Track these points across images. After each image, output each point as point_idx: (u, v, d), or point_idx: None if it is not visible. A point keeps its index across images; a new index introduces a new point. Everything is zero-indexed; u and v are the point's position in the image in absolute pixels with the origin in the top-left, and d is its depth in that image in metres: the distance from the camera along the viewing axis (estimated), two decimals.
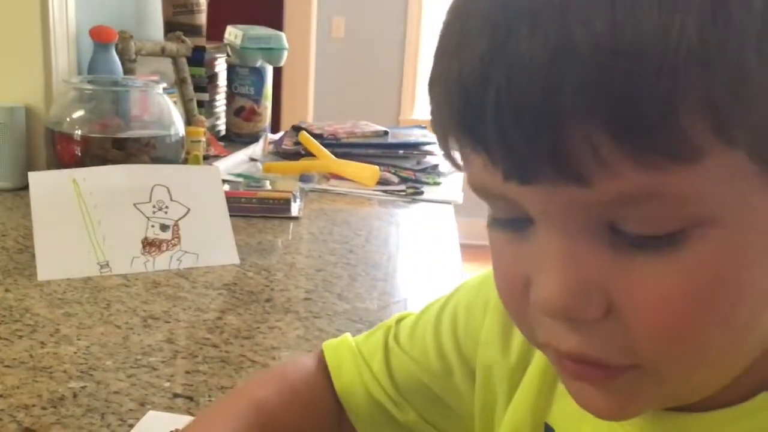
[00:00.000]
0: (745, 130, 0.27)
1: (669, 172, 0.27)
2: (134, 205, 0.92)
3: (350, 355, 0.53)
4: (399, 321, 0.54)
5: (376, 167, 1.39)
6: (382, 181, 1.38)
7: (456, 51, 0.29)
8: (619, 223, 0.28)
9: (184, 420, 0.59)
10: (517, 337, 0.46)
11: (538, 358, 0.44)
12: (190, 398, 0.63)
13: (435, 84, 0.30)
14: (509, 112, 0.27)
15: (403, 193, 1.36)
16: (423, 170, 1.45)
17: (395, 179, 1.41)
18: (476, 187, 0.31)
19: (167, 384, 0.65)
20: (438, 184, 1.41)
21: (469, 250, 1.36)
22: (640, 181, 0.27)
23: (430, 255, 1.11)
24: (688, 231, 0.28)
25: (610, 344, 0.30)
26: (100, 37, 1.29)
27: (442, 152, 0.32)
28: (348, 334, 0.57)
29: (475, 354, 0.48)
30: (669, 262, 0.28)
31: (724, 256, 0.28)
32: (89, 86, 1.18)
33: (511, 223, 0.32)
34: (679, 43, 0.25)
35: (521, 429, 0.44)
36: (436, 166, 1.47)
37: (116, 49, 1.31)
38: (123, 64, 1.33)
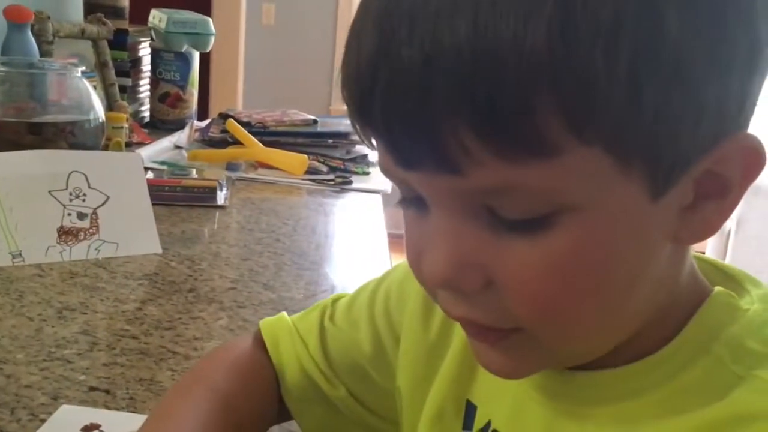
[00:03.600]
0: (598, 129, 0.29)
1: (530, 166, 0.29)
2: (49, 192, 0.89)
3: (287, 333, 0.54)
4: (335, 301, 0.55)
5: (305, 156, 1.38)
6: (311, 170, 1.37)
7: (354, 47, 0.31)
8: (495, 208, 0.32)
9: (99, 414, 0.57)
10: (438, 315, 0.47)
11: (459, 338, 0.45)
12: (107, 391, 0.61)
13: (342, 73, 0.33)
14: (392, 109, 0.30)
15: (332, 183, 1.35)
16: (352, 160, 1.45)
17: (324, 168, 1.40)
18: (382, 168, 0.34)
19: (83, 377, 0.62)
20: (367, 173, 1.41)
21: (396, 240, 1.36)
22: (505, 173, 0.30)
23: (357, 244, 1.11)
24: (555, 215, 0.31)
25: (492, 312, 0.34)
26: (14, 17, 1.23)
27: (357, 132, 0.34)
28: (284, 313, 0.57)
29: (401, 324, 0.49)
30: (538, 241, 0.31)
31: (588, 237, 0.31)
32: (2, 68, 1.12)
33: (412, 202, 0.35)
34: (531, 52, 0.28)
35: (445, 405, 0.45)
36: (365, 156, 1.47)
37: (32, 30, 1.26)
38: (39, 45, 1.27)
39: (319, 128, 1.54)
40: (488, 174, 0.30)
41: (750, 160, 0.32)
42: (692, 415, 0.34)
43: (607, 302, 0.33)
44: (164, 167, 1.29)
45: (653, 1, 0.29)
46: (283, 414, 0.53)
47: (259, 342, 0.55)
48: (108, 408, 0.58)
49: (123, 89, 1.53)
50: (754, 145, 0.32)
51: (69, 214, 0.89)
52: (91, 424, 0.55)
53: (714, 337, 0.35)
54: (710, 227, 0.34)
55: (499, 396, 0.42)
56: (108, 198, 0.91)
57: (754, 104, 0.33)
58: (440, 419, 0.45)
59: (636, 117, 0.29)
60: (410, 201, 0.35)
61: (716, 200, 0.33)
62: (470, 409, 0.44)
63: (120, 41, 1.53)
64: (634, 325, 0.36)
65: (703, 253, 0.40)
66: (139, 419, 0.57)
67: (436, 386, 0.46)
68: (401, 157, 0.32)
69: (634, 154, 0.30)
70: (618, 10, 0.28)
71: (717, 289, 0.37)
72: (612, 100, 0.29)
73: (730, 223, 2.32)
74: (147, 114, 1.67)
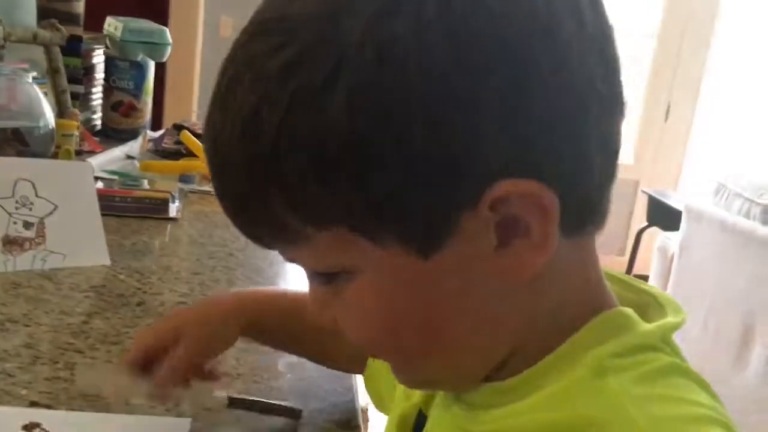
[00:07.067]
0: (329, 219, 0.35)
1: (295, 246, 0.37)
2: None
3: None
4: None
5: None
6: None
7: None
8: None
9: (37, 413, 0.56)
10: None
11: None
12: (49, 407, 0.59)
13: None
14: (219, 197, 0.38)
15: None
16: None
17: None
18: None
19: (24, 392, 0.61)
20: None
21: None
22: (285, 252, 0.39)
23: None
24: (344, 274, 0.38)
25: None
26: None
27: None
28: None
29: None
30: (341, 293, 0.38)
31: (367, 292, 0.37)
32: None
33: None
34: (251, 172, 0.35)
35: (406, 414, 0.48)
36: None
37: None
38: None
39: None
40: (279, 249, 0.38)
41: (538, 202, 0.34)
42: (541, 415, 0.36)
43: (433, 341, 0.38)
44: (115, 177, 1.27)
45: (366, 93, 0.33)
46: None
47: None
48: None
49: (75, 96, 1.50)
50: (532, 190, 0.34)
51: (14, 223, 0.87)
52: (31, 423, 0.55)
53: (582, 354, 0.37)
54: (527, 263, 0.36)
55: (437, 407, 0.45)
56: (56, 207, 0.89)
57: (535, 146, 0.34)
58: (402, 427, 0.48)
59: (366, 203, 0.34)
60: None
61: (522, 239, 0.35)
62: (421, 420, 0.47)
63: (73, 48, 1.50)
64: (495, 355, 0.39)
65: (647, 277, 0.41)
66: (77, 416, 0.56)
67: (398, 395, 0.49)
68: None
69: (379, 230, 0.35)
70: (316, 125, 0.33)
71: (614, 310, 0.39)
72: (331, 194, 0.34)
73: (674, 249, 2.37)
74: (99, 122, 1.64)
